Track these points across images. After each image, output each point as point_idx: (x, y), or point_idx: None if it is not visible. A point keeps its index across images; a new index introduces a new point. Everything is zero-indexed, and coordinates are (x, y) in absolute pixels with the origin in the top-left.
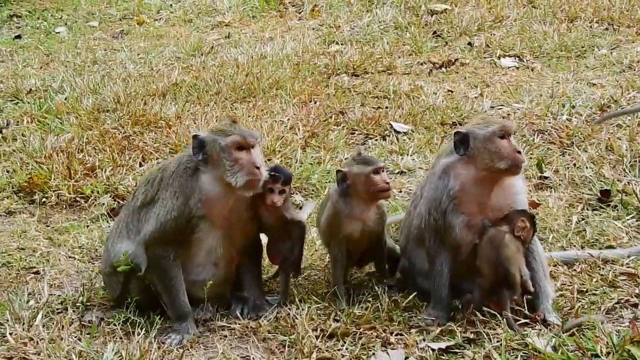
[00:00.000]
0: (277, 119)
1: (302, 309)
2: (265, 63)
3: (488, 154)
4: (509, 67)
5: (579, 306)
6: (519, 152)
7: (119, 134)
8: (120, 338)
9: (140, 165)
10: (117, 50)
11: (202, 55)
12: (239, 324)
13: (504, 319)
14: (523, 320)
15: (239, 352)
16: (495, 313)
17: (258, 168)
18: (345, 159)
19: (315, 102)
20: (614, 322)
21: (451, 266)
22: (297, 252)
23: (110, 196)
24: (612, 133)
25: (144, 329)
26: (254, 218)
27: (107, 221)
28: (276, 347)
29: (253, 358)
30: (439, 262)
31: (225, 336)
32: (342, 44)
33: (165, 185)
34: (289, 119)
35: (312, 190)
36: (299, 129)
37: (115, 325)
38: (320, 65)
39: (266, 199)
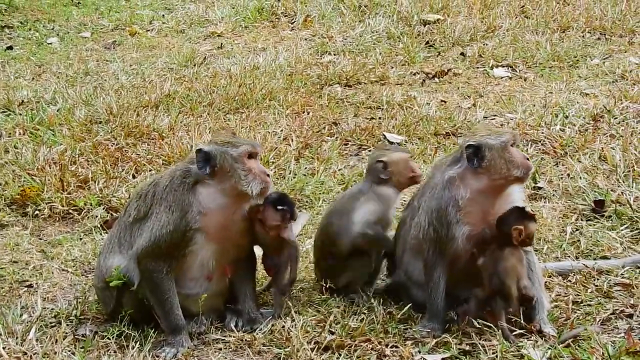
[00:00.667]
0: (270, 129)
1: (297, 322)
2: (258, 74)
3: (505, 164)
4: (501, 77)
5: (575, 317)
6: (528, 159)
7: (111, 146)
8: (115, 352)
9: (134, 177)
10: (110, 61)
11: (194, 66)
12: (234, 336)
13: (499, 330)
14: (519, 332)
15: None
16: (491, 324)
17: (268, 175)
18: (339, 169)
19: (308, 113)
20: (609, 333)
21: (448, 277)
22: (292, 273)
23: (103, 208)
24: (605, 143)
25: (138, 342)
26: (248, 231)
27: (101, 233)
28: None
29: None
30: (437, 274)
31: (220, 349)
32: (334, 55)
33: (159, 199)
34: (282, 130)
35: (306, 201)
36: (292, 140)
37: (109, 338)
38: (313, 75)
39: (271, 230)
